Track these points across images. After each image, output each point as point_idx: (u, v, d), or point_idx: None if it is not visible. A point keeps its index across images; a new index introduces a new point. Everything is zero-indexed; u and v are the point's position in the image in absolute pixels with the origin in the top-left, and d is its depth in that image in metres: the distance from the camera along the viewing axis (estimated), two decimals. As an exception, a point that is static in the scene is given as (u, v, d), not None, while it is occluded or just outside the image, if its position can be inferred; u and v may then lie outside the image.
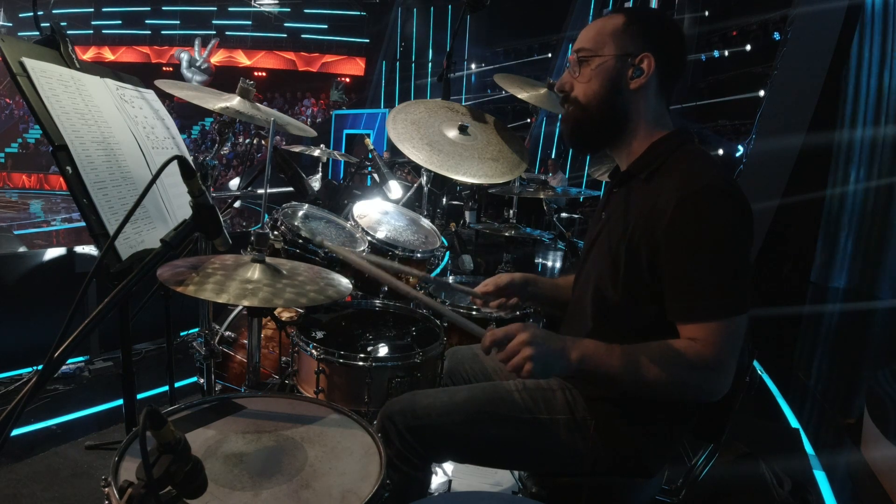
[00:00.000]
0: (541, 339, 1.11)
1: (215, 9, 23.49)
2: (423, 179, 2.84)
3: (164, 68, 22.63)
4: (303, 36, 23.26)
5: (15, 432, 1.03)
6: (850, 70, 6.80)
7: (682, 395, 1.17)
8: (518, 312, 2.08)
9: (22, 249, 3.86)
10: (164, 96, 2.16)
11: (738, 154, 9.28)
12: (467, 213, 4.86)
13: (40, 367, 0.89)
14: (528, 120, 13.26)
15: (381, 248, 2.11)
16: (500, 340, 1.12)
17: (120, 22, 24.35)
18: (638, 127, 1.29)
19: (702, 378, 1.12)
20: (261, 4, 22.46)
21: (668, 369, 1.11)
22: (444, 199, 3.38)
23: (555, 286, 1.57)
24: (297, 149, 4.42)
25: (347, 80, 22.15)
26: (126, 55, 24.05)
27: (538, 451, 1.33)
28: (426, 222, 2.52)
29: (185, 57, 20.69)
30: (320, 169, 4.39)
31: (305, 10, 22.83)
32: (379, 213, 2.41)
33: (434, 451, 1.32)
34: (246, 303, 1.17)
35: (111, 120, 1.72)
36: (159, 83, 2.05)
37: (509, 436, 1.31)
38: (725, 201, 1.13)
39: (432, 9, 18.57)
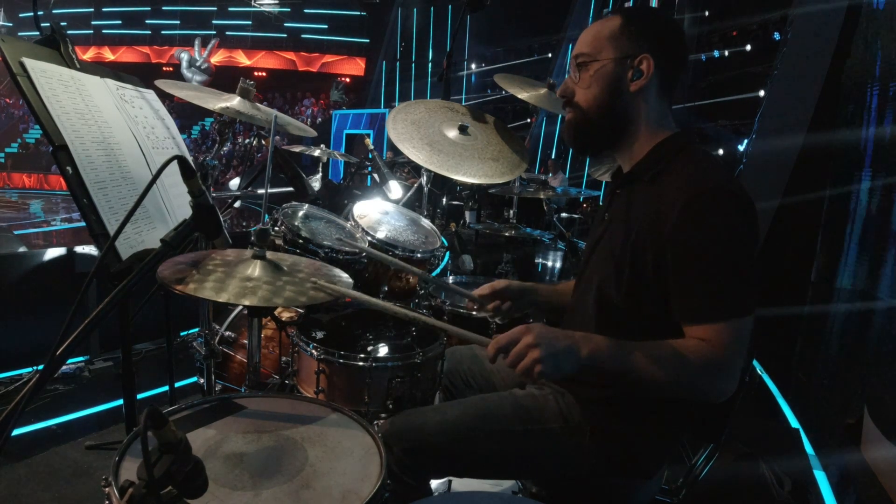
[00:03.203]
0: (547, 339, 1.09)
1: (215, 9, 23.50)
2: (423, 179, 2.84)
3: (164, 68, 22.62)
4: (303, 36, 23.27)
5: (15, 432, 1.03)
6: (850, 70, 6.79)
7: (690, 394, 1.16)
8: (516, 315, 2.08)
9: (22, 249, 3.86)
10: (164, 96, 2.16)
11: (738, 154, 9.28)
12: (467, 213, 4.86)
13: (40, 367, 0.89)
14: (528, 120, 13.25)
15: (381, 249, 2.11)
16: (505, 346, 1.10)
17: (120, 22, 24.37)
18: (640, 129, 1.28)
19: (710, 378, 1.12)
20: (261, 4, 22.47)
21: (678, 368, 1.11)
22: (444, 199, 3.38)
23: (554, 292, 1.56)
24: (297, 149, 4.43)
25: (347, 80, 22.15)
26: (126, 55, 24.06)
27: (534, 461, 1.32)
28: (426, 222, 2.52)
29: (185, 57, 20.68)
30: (320, 169, 4.39)
31: (305, 10, 22.85)
32: (379, 213, 2.41)
33: (431, 470, 1.32)
34: (246, 302, 1.17)
35: (111, 120, 1.72)
36: (159, 83, 2.05)
37: (505, 449, 1.30)
38: (732, 203, 1.13)
39: (432, 9, 18.57)
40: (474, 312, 2.08)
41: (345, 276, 1.44)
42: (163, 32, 24.10)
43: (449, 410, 1.34)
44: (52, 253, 3.37)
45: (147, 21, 24.15)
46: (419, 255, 2.18)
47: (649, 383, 1.12)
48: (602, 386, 1.28)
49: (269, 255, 1.32)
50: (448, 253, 2.57)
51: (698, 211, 1.12)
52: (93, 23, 24.28)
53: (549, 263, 7.88)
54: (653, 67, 1.22)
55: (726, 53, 10.95)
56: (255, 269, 1.26)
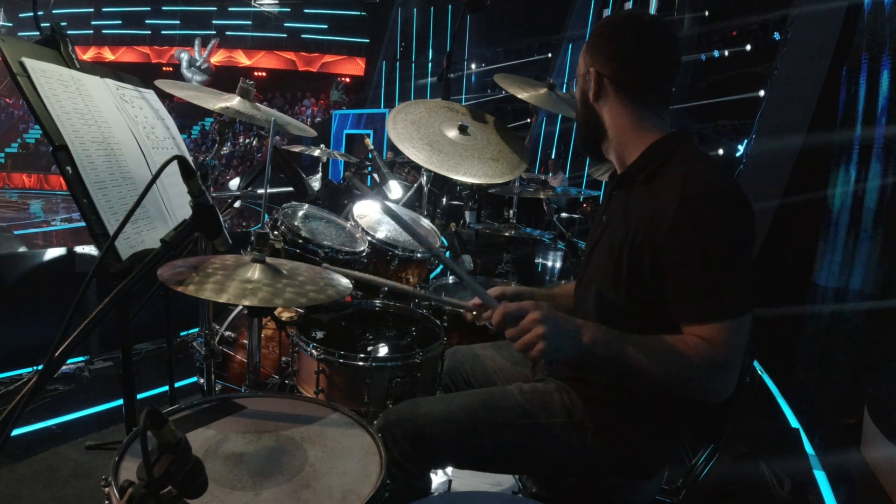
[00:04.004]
0: (553, 319, 1.10)
1: (215, 9, 23.51)
2: (423, 179, 2.84)
3: (164, 68, 22.63)
4: (303, 36, 23.27)
5: (15, 432, 1.03)
6: (850, 69, 6.79)
7: (688, 391, 1.16)
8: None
9: (22, 249, 3.86)
10: (164, 96, 2.16)
11: (738, 154, 9.28)
12: (467, 213, 4.86)
13: (40, 367, 0.89)
14: (528, 120, 13.24)
15: (381, 248, 2.11)
16: (512, 315, 1.12)
17: (120, 22, 24.37)
18: (616, 134, 1.32)
19: (709, 377, 1.12)
20: (261, 4, 22.47)
21: (677, 365, 1.11)
22: (444, 199, 3.38)
23: (551, 297, 1.56)
24: (297, 149, 4.43)
25: (347, 80, 22.15)
26: (126, 55, 24.06)
27: (537, 456, 1.33)
28: (426, 222, 2.52)
29: (185, 57, 20.69)
30: (320, 169, 4.39)
31: (305, 10, 22.84)
32: (379, 213, 2.41)
33: (433, 458, 1.32)
34: (246, 302, 1.17)
35: (111, 120, 1.72)
36: (159, 83, 2.05)
37: (508, 442, 1.30)
38: (728, 201, 1.13)
39: (432, 9, 18.56)
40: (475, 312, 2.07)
41: (345, 280, 1.44)
42: (163, 32, 24.10)
43: (454, 401, 1.35)
44: (52, 253, 3.37)
45: (147, 21, 24.15)
46: (419, 255, 2.18)
47: (648, 377, 1.12)
48: (606, 385, 1.28)
49: (269, 259, 1.32)
50: (448, 253, 2.57)
51: (693, 210, 1.12)
52: (93, 23, 24.28)
53: (549, 263, 7.88)
54: (593, 77, 1.30)
55: (726, 53, 10.95)
56: (255, 272, 1.26)
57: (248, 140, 17.87)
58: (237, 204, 3.33)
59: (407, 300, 2.08)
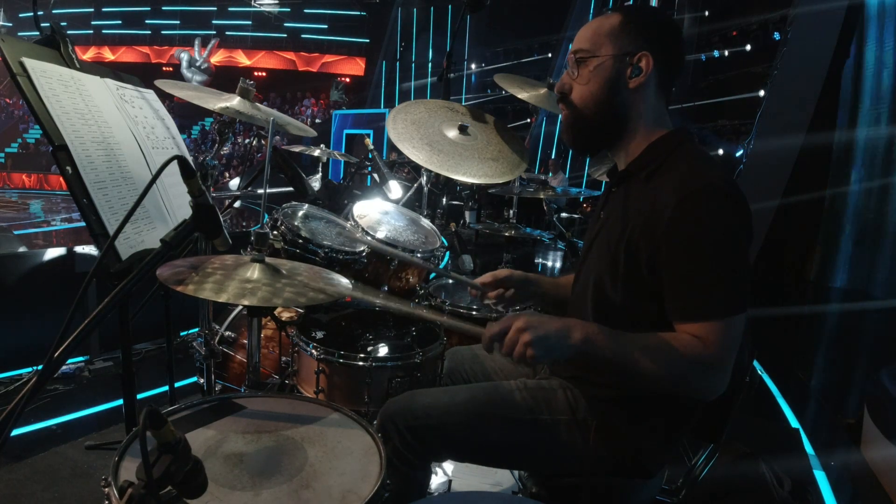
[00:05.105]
0: (537, 323, 1.10)
1: (215, 9, 23.51)
2: (423, 179, 2.84)
3: (164, 68, 22.64)
4: (303, 36, 23.28)
5: (15, 432, 1.03)
6: (851, 69, 6.79)
7: (680, 389, 1.16)
8: (518, 308, 2.08)
9: (22, 249, 3.86)
10: (164, 96, 2.16)
11: (738, 154, 9.28)
12: (467, 213, 4.86)
13: (40, 367, 0.89)
14: (528, 120, 13.26)
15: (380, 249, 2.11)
16: (498, 334, 1.12)
17: (120, 22, 24.38)
18: (637, 126, 1.28)
19: (701, 375, 1.12)
20: (261, 4, 22.46)
21: (670, 362, 1.11)
22: (444, 199, 3.38)
23: (556, 285, 1.57)
24: (297, 149, 4.43)
25: (347, 80, 22.15)
26: (126, 55, 24.07)
27: (538, 452, 1.33)
28: (426, 222, 2.52)
29: (185, 57, 20.71)
30: (320, 169, 4.39)
31: (305, 10, 22.85)
32: (379, 213, 2.40)
33: (434, 450, 1.32)
34: (245, 302, 1.17)
35: (111, 120, 1.72)
36: (159, 83, 2.05)
37: (510, 437, 1.30)
38: (725, 200, 1.13)
39: (432, 9, 18.57)
40: (474, 312, 2.08)
41: (345, 280, 1.44)
42: (163, 32, 24.10)
43: (457, 394, 1.35)
44: (52, 253, 3.37)
45: (147, 21, 24.15)
46: (419, 255, 2.18)
47: (641, 374, 1.12)
48: (609, 385, 1.28)
49: (268, 259, 1.32)
50: (448, 253, 2.57)
51: (691, 209, 1.12)
52: (93, 23, 24.28)
53: (549, 263, 7.89)
54: (652, 65, 1.23)
55: (726, 53, 10.96)
56: (254, 272, 1.26)
57: (248, 140, 17.89)
58: (237, 204, 3.33)
59: (407, 300, 2.08)
